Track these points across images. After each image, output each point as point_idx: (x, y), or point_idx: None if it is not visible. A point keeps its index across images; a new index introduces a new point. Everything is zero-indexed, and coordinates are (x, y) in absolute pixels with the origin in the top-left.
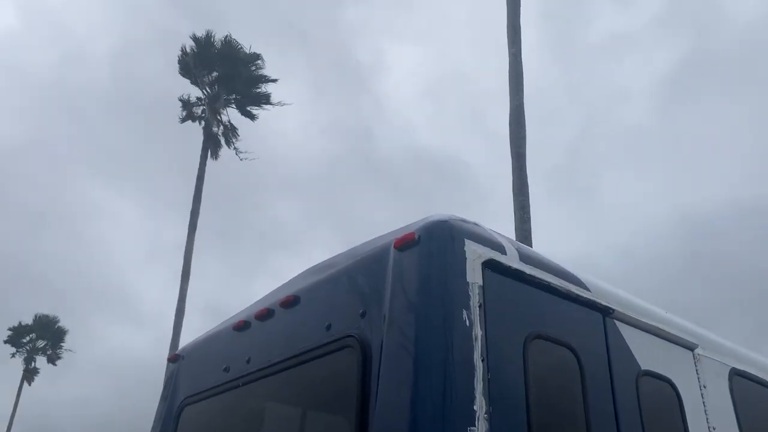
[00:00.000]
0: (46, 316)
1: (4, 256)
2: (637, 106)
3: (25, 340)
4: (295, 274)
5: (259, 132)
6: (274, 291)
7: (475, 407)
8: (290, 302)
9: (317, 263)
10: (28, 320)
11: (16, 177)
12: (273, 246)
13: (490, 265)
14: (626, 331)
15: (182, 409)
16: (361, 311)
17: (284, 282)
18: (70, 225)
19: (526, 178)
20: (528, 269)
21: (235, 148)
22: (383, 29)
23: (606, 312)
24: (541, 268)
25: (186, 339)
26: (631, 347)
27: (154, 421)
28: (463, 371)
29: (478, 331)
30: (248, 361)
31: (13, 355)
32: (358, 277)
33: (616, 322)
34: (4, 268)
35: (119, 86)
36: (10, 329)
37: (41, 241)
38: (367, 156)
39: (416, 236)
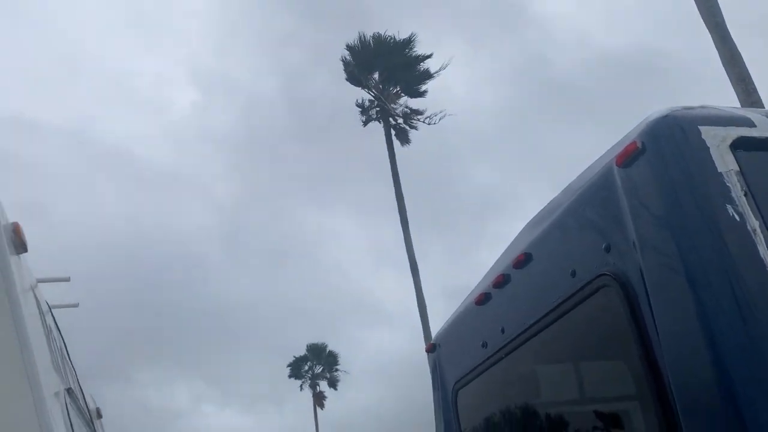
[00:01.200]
0: (316, 344)
1: (265, 300)
2: None
3: (304, 370)
4: (518, 232)
5: (435, 106)
6: (503, 255)
7: None
8: (522, 261)
9: (537, 213)
10: (301, 352)
11: (252, 227)
12: (487, 211)
13: (741, 145)
14: None
15: (456, 394)
16: (604, 246)
17: (510, 242)
18: (306, 255)
19: (735, 45)
20: None
21: (426, 119)
22: None
23: None
24: None
25: (435, 325)
26: None
27: (435, 413)
28: (752, 272)
29: (753, 223)
30: (503, 331)
31: (301, 387)
32: (586, 213)
33: None
34: (269, 311)
35: (297, 114)
36: (288, 365)
37: (289, 277)
38: (551, 85)
39: (639, 144)
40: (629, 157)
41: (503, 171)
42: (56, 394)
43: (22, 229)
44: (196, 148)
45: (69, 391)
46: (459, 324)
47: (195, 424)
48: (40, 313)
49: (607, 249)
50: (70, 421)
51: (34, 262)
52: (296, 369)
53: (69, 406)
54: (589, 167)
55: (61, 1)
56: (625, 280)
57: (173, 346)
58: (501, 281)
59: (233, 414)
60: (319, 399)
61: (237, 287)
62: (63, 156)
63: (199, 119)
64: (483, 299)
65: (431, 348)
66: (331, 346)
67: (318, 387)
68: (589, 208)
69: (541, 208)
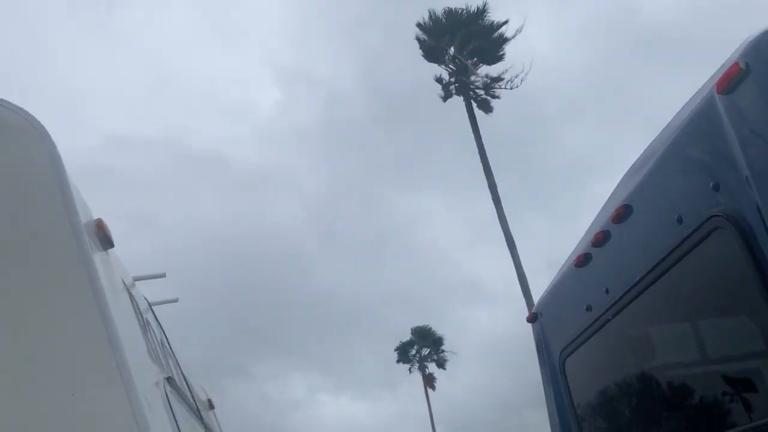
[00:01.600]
0: (420, 327)
1: (367, 288)
2: None
3: (411, 354)
4: (614, 186)
5: (516, 72)
6: (601, 211)
7: None
8: (622, 214)
9: (634, 162)
10: (406, 336)
11: (347, 218)
12: (583, 175)
13: None
14: None
15: (563, 362)
16: (712, 185)
17: (606, 198)
18: (402, 239)
19: None
20: None
21: (508, 83)
22: None
23: None
24: None
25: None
26: None
27: (543, 384)
28: None
29: None
30: (607, 292)
31: (410, 371)
32: (687, 151)
33: None
34: (371, 298)
35: (379, 99)
36: (395, 349)
37: (388, 263)
38: (636, 35)
39: (743, 65)
40: (732, 81)
41: (598, 130)
42: (156, 383)
43: (106, 225)
44: (285, 144)
45: (169, 379)
46: (560, 289)
47: (312, 413)
48: (134, 307)
49: (716, 188)
50: (172, 408)
51: (144, 267)
52: (403, 353)
53: (170, 394)
54: (685, 104)
55: (139, 17)
56: (740, 220)
57: (286, 340)
58: (601, 239)
59: (348, 401)
60: (429, 381)
61: (339, 278)
62: (161, 166)
63: (284, 116)
64: (583, 260)
65: (533, 317)
66: (435, 328)
67: (427, 369)
68: (690, 146)
69: (637, 157)
